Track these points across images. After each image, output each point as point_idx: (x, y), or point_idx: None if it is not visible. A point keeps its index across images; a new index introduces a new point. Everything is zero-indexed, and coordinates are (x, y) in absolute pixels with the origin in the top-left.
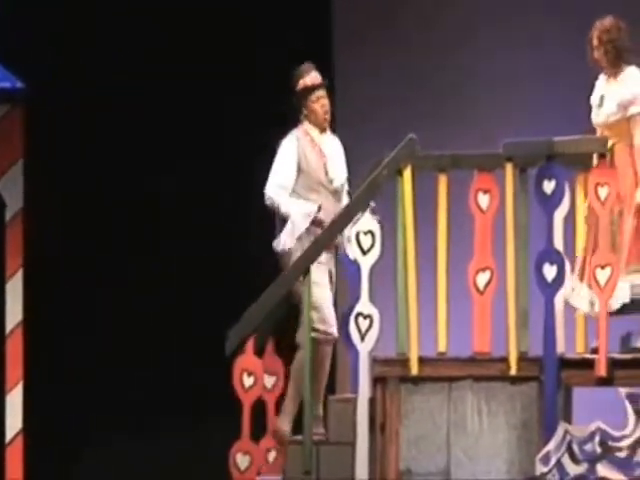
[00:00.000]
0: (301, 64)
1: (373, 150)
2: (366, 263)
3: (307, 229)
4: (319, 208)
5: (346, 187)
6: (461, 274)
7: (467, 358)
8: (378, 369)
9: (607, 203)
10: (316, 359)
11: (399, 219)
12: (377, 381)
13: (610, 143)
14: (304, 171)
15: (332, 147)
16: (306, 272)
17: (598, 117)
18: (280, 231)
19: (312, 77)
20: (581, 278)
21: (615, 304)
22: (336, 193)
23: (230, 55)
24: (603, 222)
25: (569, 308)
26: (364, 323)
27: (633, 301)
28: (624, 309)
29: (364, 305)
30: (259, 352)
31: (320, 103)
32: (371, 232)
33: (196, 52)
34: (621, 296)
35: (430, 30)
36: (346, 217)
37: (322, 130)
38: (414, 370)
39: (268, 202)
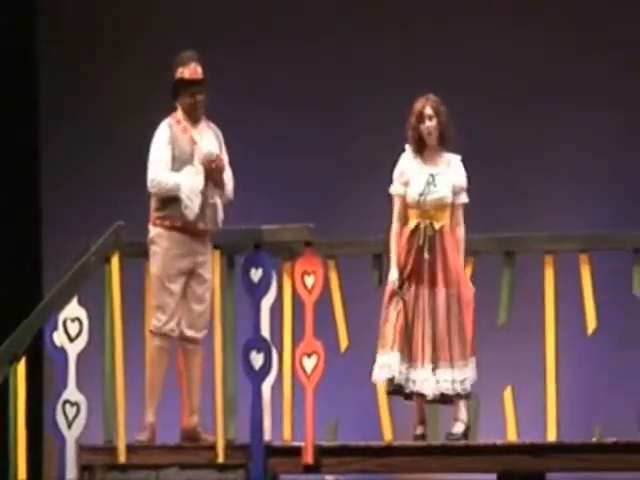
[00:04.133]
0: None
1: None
2: (73, 350)
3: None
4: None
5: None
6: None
7: (174, 445)
8: (85, 457)
9: (314, 291)
10: (152, 354)
11: (106, 306)
12: (84, 469)
13: (440, 225)
14: (176, 157)
15: (204, 135)
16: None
17: (432, 195)
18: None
19: (192, 70)
20: (422, 364)
21: (465, 386)
22: None
23: None
24: (309, 311)
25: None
26: (71, 410)
27: (458, 394)
28: (444, 399)
29: (71, 393)
30: None
31: (195, 98)
32: (78, 319)
33: None
34: (469, 381)
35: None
36: (52, 303)
37: (195, 121)
38: (121, 458)
39: (154, 189)
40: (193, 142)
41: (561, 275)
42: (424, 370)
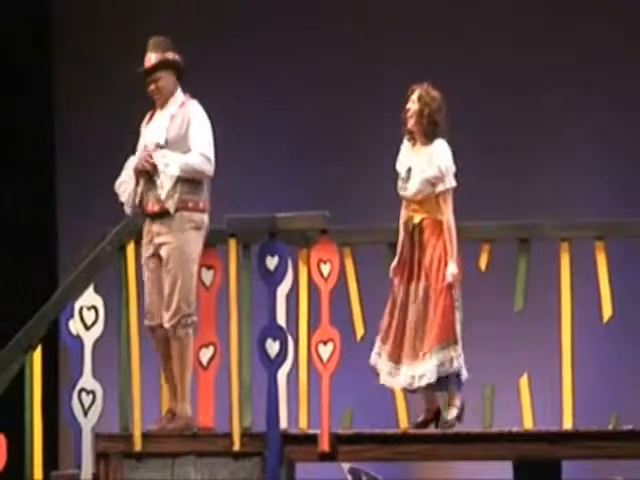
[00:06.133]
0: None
1: None
2: (89, 338)
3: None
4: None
5: (192, 147)
6: None
7: (190, 434)
8: (101, 445)
9: (330, 279)
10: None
11: (122, 294)
12: (100, 457)
13: (419, 218)
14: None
15: (157, 121)
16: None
17: (406, 191)
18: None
19: (146, 59)
20: (397, 360)
21: (422, 383)
22: None
23: None
24: (325, 299)
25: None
26: (87, 399)
27: (438, 380)
28: (429, 387)
29: (87, 381)
30: None
31: (151, 86)
32: (94, 307)
33: None
34: (428, 376)
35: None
36: (68, 292)
37: (161, 105)
38: (137, 446)
39: None
40: (146, 126)
41: (576, 262)
42: (389, 365)
